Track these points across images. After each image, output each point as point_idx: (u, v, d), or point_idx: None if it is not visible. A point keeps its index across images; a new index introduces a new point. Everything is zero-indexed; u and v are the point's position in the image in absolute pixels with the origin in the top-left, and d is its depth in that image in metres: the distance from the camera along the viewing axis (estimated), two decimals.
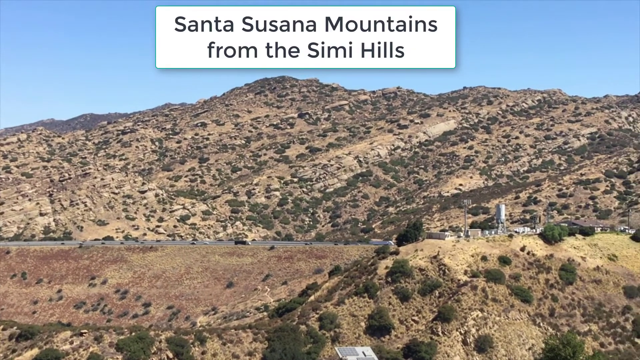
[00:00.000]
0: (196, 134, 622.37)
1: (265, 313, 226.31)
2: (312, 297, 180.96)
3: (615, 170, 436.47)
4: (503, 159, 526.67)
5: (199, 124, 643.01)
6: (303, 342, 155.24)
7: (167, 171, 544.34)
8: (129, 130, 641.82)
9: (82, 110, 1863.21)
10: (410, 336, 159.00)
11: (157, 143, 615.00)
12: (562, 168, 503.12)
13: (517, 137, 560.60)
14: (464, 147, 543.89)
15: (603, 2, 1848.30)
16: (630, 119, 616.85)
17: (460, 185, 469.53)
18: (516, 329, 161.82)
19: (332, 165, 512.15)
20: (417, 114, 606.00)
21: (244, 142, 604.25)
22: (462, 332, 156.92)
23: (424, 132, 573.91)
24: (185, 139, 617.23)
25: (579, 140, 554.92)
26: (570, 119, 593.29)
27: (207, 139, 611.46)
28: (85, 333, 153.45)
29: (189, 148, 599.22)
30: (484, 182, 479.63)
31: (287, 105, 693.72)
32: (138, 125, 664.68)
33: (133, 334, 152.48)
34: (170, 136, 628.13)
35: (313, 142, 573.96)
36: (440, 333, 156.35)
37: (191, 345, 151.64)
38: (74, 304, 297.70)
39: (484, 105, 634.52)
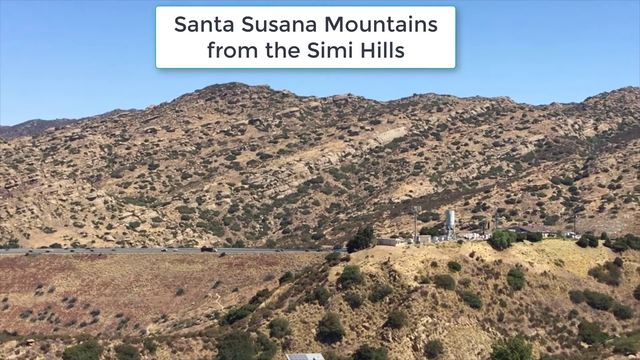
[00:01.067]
0: (146, 140, 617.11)
1: (215, 320, 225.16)
2: (262, 304, 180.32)
3: (561, 177, 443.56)
4: (452, 166, 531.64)
5: (149, 130, 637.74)
6: (254, 349, 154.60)
7: (117, 178, 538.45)
8: (77, 136, 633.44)
9: (29, 116, 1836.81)
10: (361, 342, 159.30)
11: (106, 149, 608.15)
12: (510, 174, 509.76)
13: (466, 144, 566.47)
14: (414, 154, 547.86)
15: (548, 11, 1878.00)
16: (576, 127, 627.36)
17: (411, 191, 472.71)
18: (465, 334, 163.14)
19: (283, 171, 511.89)
20: (368, 121, 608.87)
21: (194, 148, 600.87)
22: (413, 337, 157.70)
23: (375, 139, 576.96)
24: (134, 145, 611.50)
25: (527, 147, 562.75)
26: (518, 126, 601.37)
27: (157, 145, 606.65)
28: (31, 342, 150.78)
29: (139, 154, 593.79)
30: (433, 189, 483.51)
31: (237, 111, 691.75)
32: (87, 131, 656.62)
33: (81, 342, 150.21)
34: (120, 142, 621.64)
35: (264, 149, 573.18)
36: (390, 339, 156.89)
37: (140, 354, 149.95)
38: (20, 312, 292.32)
39: (434, 112, 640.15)
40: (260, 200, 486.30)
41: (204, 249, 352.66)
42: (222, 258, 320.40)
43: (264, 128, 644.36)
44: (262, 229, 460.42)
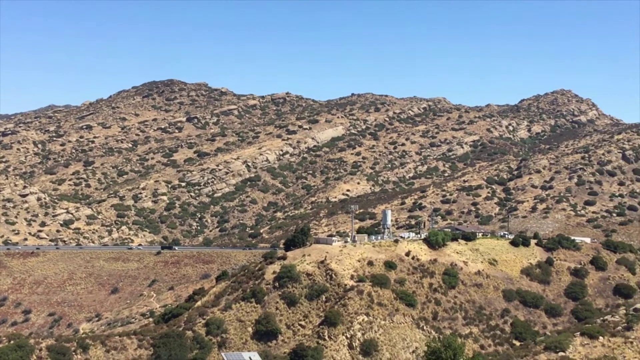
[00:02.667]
0: (81, 137, 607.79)
1: (150, 319, 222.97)
2: (199, 303, 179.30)
3: (496, 177, 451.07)
4: (389, 165, 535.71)
5: (84, 127, 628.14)
6: (189, 348, 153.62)
7: (50, 174, 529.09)
8: (9, 132, 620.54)
9: None
10: (297, 341, 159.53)
11: (39, 145, 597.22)
12: (446, 175, 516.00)
13: (403, 144, 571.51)
14: (352, 153, 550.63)
15: (484, 12, 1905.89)
16: (511, 128, 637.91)
17: (348, 190, 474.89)
18: (401, 333, 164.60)
19: (220, 169, 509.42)
20: (306, 120, 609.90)
21: (130, 145, 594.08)
22: (348, 336, 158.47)
23: (313, 138, 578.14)
24: (69, 141, 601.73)
25: (462, 147, 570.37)
26: (454, 127, 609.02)
27: (93, 142, 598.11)
28: None
29: (74, 151, 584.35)
30: (371, 188, 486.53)
31: (175, 109, 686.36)
32: (20, 127, 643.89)
33: (12, 342, 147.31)
34: (54, 139, 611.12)
35: (201, 147, 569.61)
36: (326, 337, 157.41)
37: (73, 353, 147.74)
38: None
39: (372, 112, 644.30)
40: (197, 198, 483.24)
41: (163, 247, 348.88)
42: (158, 256, 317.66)
43: (201, 126, 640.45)
44: (198, 227, 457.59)
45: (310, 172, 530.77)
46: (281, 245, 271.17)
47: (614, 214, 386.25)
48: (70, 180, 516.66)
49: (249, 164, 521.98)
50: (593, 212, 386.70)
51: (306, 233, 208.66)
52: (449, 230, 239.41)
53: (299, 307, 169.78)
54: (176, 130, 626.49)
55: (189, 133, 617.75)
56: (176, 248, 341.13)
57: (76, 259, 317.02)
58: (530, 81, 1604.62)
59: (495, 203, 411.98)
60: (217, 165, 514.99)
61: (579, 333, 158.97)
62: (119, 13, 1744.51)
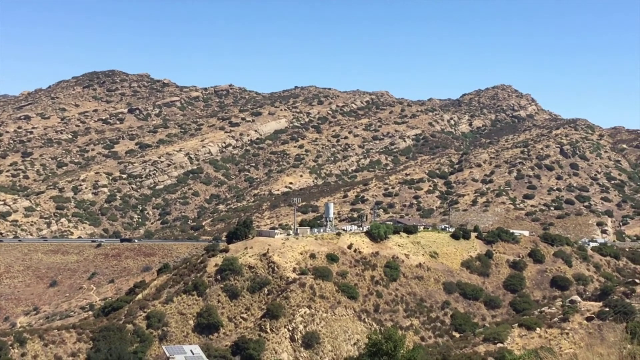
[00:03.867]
0: (19, 127, 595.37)
1: (90, 312, 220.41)
2: (139, 296, 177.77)
3: (437, 171, 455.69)
4: (332, 158, 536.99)
5: (22, 117, 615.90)
6: (129, 341, 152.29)
7: None
8: None
9: None
10: (238, 333, 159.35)
11: None
12: (388, 168, 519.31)
13: (346, 137, 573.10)
14: (295, 146, 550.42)
15: (426, 8, 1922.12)
16: (452, 122, 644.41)
17: (291, 183, 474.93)
18: (342, 325, 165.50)
19: (162, 161, 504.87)
20: (249, 112, 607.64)
21: (70, 136, 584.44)
22: (290, 328, 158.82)
23: (256, 130, 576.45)
24: (7, 132, 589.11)
25: (405, 141, 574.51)
26: (396, 120, 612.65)
27: (31, 132, 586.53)
28: None
29: (11, 142, 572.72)
30: (313, 181, 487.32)
31: (116, 100, 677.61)
32: None
33: None
34: None
35: (143, 138, 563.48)
36: (268, 330, 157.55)
37: (10, 347, 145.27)
38: None
39: (315, 105, 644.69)
40: (138, 190, 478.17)
41: (122, 239, 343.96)
42: (99, 249, 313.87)
43: (143, 117, 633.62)
44: (140, 220, 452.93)
45: (253, 164, 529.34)
46: (223, 238, 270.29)
47: (552, 208, 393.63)
48: (7, 171, 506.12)
49: (192, 156, 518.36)
50: (532, 206, 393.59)
51: (249, 226, 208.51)
52: (391, 223, 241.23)
53: (241, 300, 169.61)
54: (117, 122, 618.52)
55: (131, 124, 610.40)
56: (136, 240, 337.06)
57: (13, 251, 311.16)
58: (472, 76, 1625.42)
59: (436, 196, 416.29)
60: (159, 157, 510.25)
61: (517, 324, 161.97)
62: (58, 1, 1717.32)
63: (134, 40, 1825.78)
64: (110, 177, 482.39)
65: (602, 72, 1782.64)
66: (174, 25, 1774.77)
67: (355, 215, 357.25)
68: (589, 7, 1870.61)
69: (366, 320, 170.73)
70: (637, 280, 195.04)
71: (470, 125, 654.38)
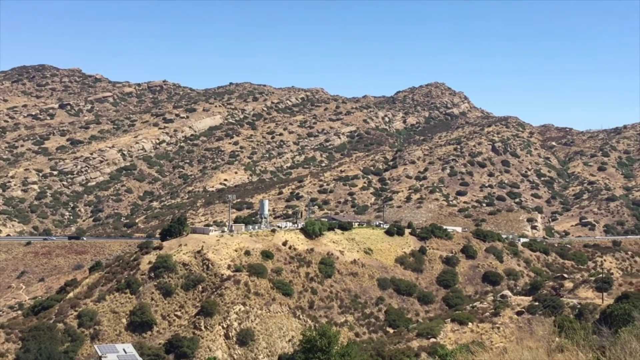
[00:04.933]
0: None
1: (19, 312, 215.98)
2: (70, 294, 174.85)
3: (372, 168, 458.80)
4: (267, 155, 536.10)
5: None
6: (60, 341, 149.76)
7: None
8: None
9: None
10: (172, 331, 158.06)
11: None
12: (323, 165, 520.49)
13: (281, 134, 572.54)
14: (230, 143, 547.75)
15: (359, 8, 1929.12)
16: (387, 119, 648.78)
17: (225, 180, 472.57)
18: (277, 322, 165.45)
19: (94, 158, 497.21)
20: (183, 108, 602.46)
21: None
22: (225, 326, 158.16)
23: (190, 127, 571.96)
24: None
25: (340, 138, 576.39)
26: (331, 117, 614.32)
27: None
28: None
29: None
30: (248, 178, 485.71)
31: (47, 95, 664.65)
32: None
33: None
34: None
35: (75, 134, 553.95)
36: (202, 327, 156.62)
37: None
38: None
39: (250, 101, 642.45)
40: (70, 187, 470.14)
41: (70, 237, 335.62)
42: (28, 247, 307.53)
43: (75, 113, 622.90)
44: (71, 217, 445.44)
45: (188, 161, 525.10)
46: (157, 235, 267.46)
47: (484, 204, 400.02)
48: None
49: (125, 152, 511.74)
50: (464, 202, 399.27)
51: (183, 223, 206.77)
52: (326, 220, 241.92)
53: (175, 298, 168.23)
54: (48, 117, 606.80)
55: (62, 120, 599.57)
56: (84, 238, 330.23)
57: None
58: (406, 73, 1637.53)
59: (371, 193, 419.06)
60: (92, 154, 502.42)
61: (449, 319, 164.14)
62: None
63: (65, 34, 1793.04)
64: (41, 174, 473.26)
65: (532, 70, 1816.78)
66: (107, 21, 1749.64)
67: (290, 212, 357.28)
68: (518, 7, 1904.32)
69: (301, 316, 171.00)
70: (565, 275, 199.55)
71: (404, 122, 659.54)
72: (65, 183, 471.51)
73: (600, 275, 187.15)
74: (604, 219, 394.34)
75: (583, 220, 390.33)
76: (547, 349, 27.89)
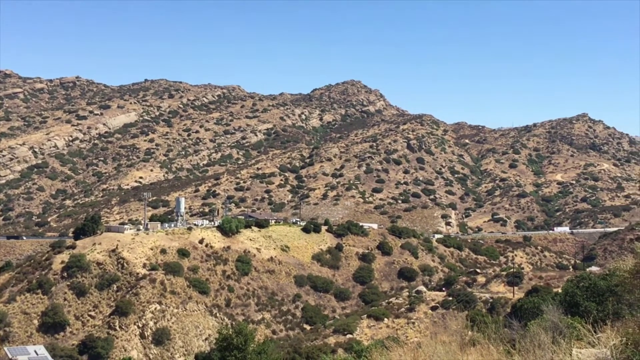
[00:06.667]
0: None
1: None
2: None
3: (289, 165, 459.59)
4: (183, 153, 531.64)
5: None
6: None
7: None
8: None
9: None
10: (86, 332, 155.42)
11: None
12: (240, 162, 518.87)
13: (197, 131, 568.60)
14: (145, 140, 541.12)
15: (275, 4, 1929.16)
16: (303, 117, 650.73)
17: (141, 178, 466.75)
18: (194, 320, 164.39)
19: (4, 156, 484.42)
20: (97, 105, 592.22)
21: None
22: (140, 325, 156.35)
23: (104, 124, 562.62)
24: None
25: (256, 135, 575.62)
26: (248, 114, 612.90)
27: None
28: None
29: None
30: (164, 175, 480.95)
31: None
32: None
33: None
34: None
35: None
36: (117, 327, 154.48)
37: None
38: None
39: (166, 98, 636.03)
40: None
41: (9, 237, 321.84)
42: None
43: None
44: None
45: (102, 158, 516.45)
46: (70, 234, 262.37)
47: (399, 201, 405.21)
48: None
49: (36, 149, 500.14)
50: (380, 199, 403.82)
51: (97, 221, 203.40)
52: (243, 217, 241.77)
53: (88, 298, 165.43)
54: None
55: None
56: (24, 237, 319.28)
57: None
58: (323, 71, 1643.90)
59: (288, 190, 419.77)
60: (1, 151, 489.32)
61: (365, 315, 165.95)
62: None
63: None
64: None
65: (446, 69, 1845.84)
66: (17, 16, 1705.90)
67: (206, 209, 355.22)
68: (432, 9, 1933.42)
69: (218, 315, 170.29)
70: (478, 270, 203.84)
71: (321, 119, 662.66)
72: None
73: (512, 270, 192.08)
74: (515, 214, 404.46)
75: (495, 216, 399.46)
76: (460, 343, 28.49)
